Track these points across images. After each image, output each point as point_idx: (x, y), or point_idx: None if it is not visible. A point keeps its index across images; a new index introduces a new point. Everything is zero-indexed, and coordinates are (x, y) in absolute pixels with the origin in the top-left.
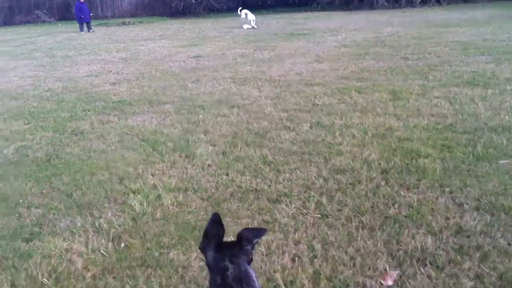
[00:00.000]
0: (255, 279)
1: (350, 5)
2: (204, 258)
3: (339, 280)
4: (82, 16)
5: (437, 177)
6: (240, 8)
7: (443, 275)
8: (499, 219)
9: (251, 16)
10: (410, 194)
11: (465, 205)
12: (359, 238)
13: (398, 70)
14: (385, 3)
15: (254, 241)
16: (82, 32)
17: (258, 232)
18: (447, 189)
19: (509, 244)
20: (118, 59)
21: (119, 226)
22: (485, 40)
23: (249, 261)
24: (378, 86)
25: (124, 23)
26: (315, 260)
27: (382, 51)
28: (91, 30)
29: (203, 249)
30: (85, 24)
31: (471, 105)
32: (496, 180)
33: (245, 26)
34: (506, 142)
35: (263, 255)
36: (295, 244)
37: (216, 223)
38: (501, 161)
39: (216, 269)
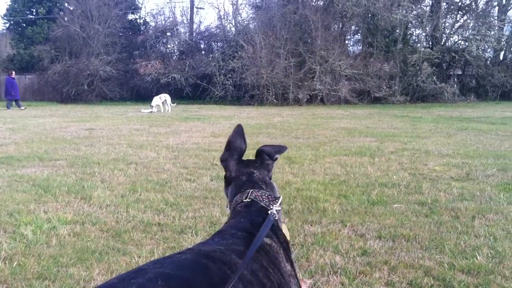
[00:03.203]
0: (277, 191)
1: (241, 100)
2: (225, 170)
3: None
4: (13, 93)
5: (337, 215)
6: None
7: (355, 281)
8: (401, 244)
9: (168, 100)
10: (313, 228)
11: (366, 235)
12: None
13: (290, 144)
14: (274, 100)
15: (275, 156)
16: (10, 110)
17: (279, 148)
18: (348, 224)
19: (414, 260)
20: (5, 129)
21: (10, 250)
22: (368, 128)
23: (270, 178)
24: None
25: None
26: None
27: (274, 131)
28: (22, 108)
29: (225, 160)
30: (13, 101)
31: (361, 168)
32: (392, 218)
33: (144, 110)
34: (397, 194)
35: None
36: None
37: (239, 134)
38: (395, 205)
39: (241, 174)
